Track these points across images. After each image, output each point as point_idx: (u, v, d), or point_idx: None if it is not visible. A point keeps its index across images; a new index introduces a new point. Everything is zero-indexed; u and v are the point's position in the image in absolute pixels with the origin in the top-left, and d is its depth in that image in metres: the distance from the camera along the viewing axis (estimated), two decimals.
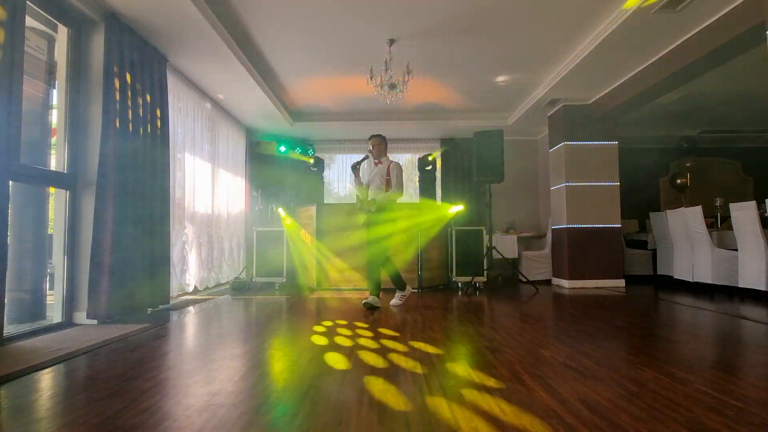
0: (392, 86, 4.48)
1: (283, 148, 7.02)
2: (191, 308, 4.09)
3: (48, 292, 3.43)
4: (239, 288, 5.59)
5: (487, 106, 6.47)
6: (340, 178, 7.84)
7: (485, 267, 5.41)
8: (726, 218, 5.43)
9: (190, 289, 4.94)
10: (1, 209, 2.58)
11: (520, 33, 4.19)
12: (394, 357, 2.30)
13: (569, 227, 5.79)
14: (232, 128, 6.40)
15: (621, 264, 5.84)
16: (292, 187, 7.22)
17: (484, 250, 5.39)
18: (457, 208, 5.51)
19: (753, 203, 4.29)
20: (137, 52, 3.69)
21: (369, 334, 2.92)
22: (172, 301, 4.27)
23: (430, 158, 7.25)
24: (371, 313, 3.75)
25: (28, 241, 3.26)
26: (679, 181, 7.86)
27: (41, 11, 3.12)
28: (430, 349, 2.48)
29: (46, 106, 3.43)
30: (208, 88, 5.25)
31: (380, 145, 4.16)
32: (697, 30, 3.88)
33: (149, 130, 3.78)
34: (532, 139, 7.62)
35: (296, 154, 7.11)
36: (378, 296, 4.02)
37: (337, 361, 2.24)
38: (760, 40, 3.46)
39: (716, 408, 1.59)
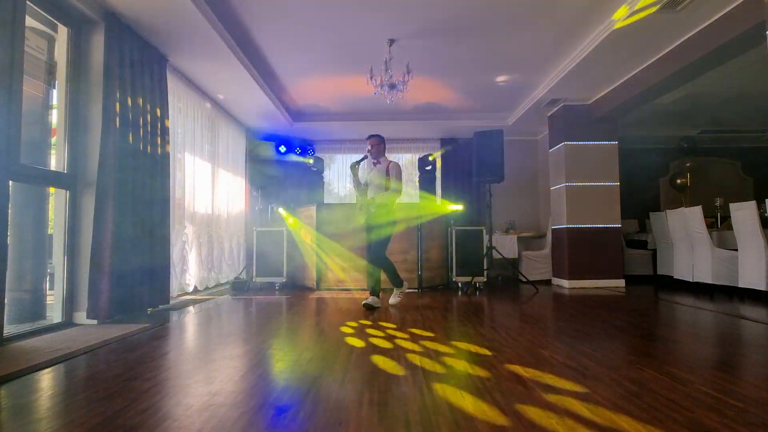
0: (392, 86, 4.48)
1: (283, 148, 7.03)
2: (191, 308, 4.09)
3: (48, 292, 3.42)
4: (239, 288, 5.59)
5: (487, 106, 6.46)
6: (340, 178, 7.85)
7: (485, 267, 5.41)
8: (726, 218, 5.43)
9: (190, 289, 4.94)
10: (1, 209, 2.58)
11: (521, 33, 4.19)
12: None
13: (569, 227, 5.79)
14: (232, 128, 6.40)
15: (621, 264, 5.84)
16: (292, 187, 7.22)
17: (484, 250, 5.39)
18: (456, 207, 5.57)
19: (753, 203, 4.29)
20: (137, 51, 3.69)
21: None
22: (172, 301, 4.27)
23: (430, 158, 7.26)
24: (371, 313, 3.75)
25: (28, 241, 3.26)
26: (679, 181, 7.86)
27: (41, 11, 3.12)
28: (428, 343, 2.48)
29: (46, 106, 3.43)
30: (208, 88, 5.25)
31: (379, 145, 4.16)
32: (697, 30, 3.88)
33: (149, 130, 3.78)
34: (532, 139, 7.62)
35: (296, 157, 7.12)
36: (378, 296, 4.03)
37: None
38: (760, 40, 3.46)
39: (716, 408, 1.59)
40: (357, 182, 4.16)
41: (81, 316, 3.28)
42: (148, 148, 3.76)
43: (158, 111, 3.93)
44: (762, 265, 4.19)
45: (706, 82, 4.93)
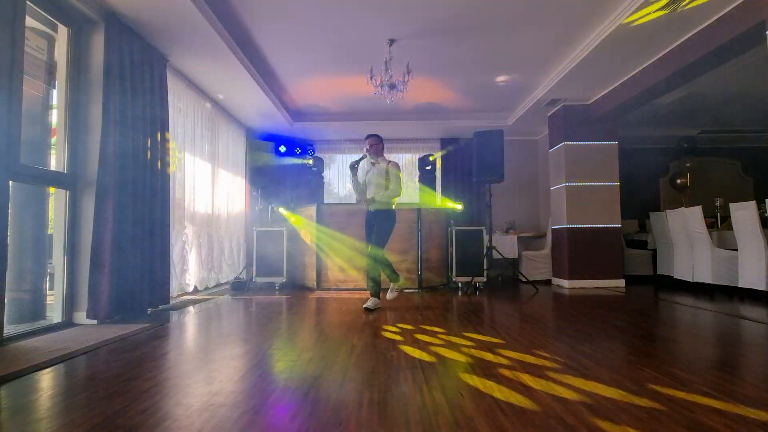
0: (392, 86, 4.48)
1: (283, 148, 7.03)
2: (191, 308, 4.09)
3: (48, 292, 3.42)
4: (239, 288, 5.59)
5: (487, 106, 6.46)
6: (340, 178, 7.84)
7: (485, 267, 5.41)
8: (726, 218, 5.43)
9: (190, 289, 4.94)
10: (1, 209, 2.58)
11: (520, 33, 4.19)
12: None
13: (569, 227, 5.79)
14: (232, 128, 6.40)
15: (621, 264, 5.84)
16: (292, 187, 7.22)
17: (484, 250, 5.39)
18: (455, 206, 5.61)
19: (753, 203, 4.29)
20: (137, 51, 3.69)
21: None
22: (172, 301, 4.27)
23: (430, 158, 7.26)
24: (370, 313, 3.75)
25: (28, 241, 3.26)
26: (679, 181, 7.86)
27: (41, 11, 3.12)
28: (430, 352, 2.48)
29: (46, 106, 3.42)
30: (208, 88, 5.25)
31: (377, 144, 4.17)
32: (697, 30, 3.88)
33: (149, 130, 3.78)
34: (532, 139, 7.62)
35: (295, 158, 7.13)
36: (378, 297, 4.03)
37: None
38: (760, 40, 3.46)
39: (716, 408, 1.59)
40: (356, 182, 4.17)
41: (81, 316, 3.28)
42: (148, 148, 3.76)
43: (158, 111, 3.93)
44: (762, 265, 4.19)
45: (706, 82, 4.93)
